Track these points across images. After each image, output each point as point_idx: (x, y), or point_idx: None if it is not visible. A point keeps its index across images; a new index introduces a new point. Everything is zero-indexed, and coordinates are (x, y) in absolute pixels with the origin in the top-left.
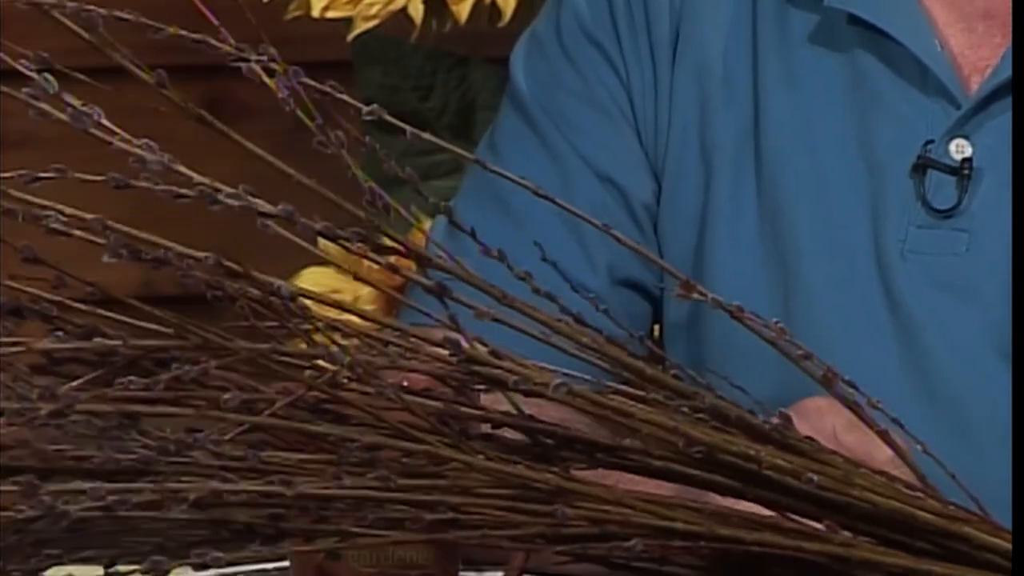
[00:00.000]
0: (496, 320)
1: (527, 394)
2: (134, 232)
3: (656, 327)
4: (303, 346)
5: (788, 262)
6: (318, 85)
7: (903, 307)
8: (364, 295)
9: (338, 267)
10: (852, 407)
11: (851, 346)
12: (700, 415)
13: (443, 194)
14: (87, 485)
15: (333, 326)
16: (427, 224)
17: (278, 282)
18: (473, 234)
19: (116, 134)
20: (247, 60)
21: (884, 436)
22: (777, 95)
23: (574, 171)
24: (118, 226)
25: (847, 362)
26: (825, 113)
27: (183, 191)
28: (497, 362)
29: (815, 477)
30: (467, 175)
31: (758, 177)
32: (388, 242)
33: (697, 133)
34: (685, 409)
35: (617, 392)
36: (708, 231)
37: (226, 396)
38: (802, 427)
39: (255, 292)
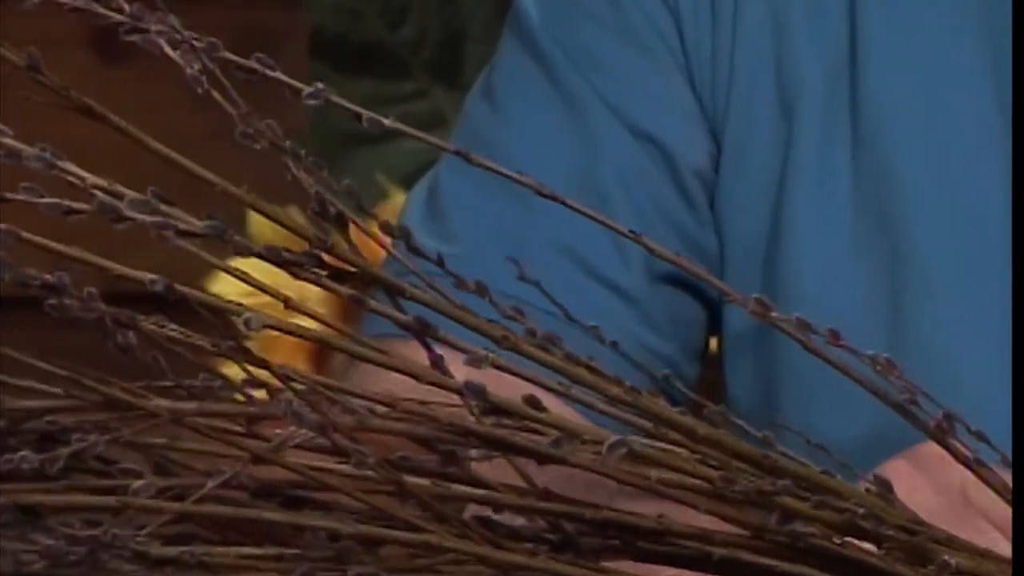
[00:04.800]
0: (497, 368)
1: (545, 459)
2: None
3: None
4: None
5: (898, 243)
6: (242, 61)
7: None
8: (312, 296)
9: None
10: (973, 467)
11: (984, 358)
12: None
13: (421, 156)
14: None
15: (287, 375)
16: (399, 198)
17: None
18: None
19: None
20: (144, 31)
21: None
22: (881, 17)
23: (599, 125)
24: None
25: (979, 382)
26: (947, 40)
27: (75, 206)
28: (535, 413)
29: (953, 561)
30: (455, 131)
31: (855, 129)
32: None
33: (772, 74)
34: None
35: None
36: (787, 205)
37: (136, 484)
38: (919, 481)
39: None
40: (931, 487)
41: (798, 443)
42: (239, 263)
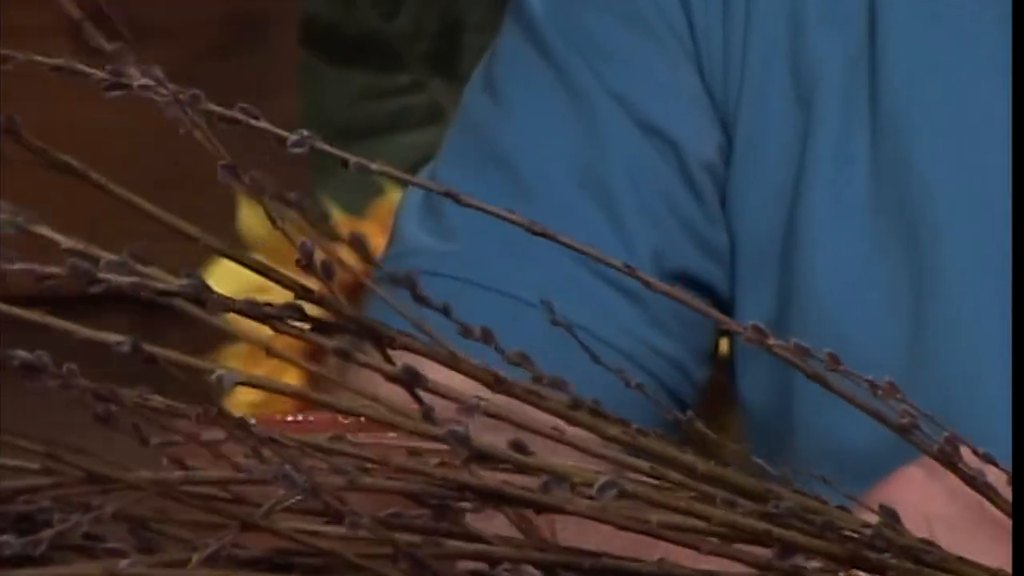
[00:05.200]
0: (489, 415)
1: (542, 508)
2: None
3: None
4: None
5: (917, 232)
6: (225, 112)
7: None
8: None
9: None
10: (982, 489)
11: (1005, 348)
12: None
13: (418, 151)
14: None
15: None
16: (395, 195)
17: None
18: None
19: None
20: (127, 87)
21: None
22: (901, 1)
23: (604, 116)
24: None
25: (1001, 373)
26: (968, 25)
27: (48, 271)
28: (520, 458)
29: None
30: (453, 125)
31: (873, 117)
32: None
33: (787, 62)
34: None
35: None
36: (804, 196)
37: (123, 564)
38: (934, 489)
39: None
40: (946, 495)
41: (812, 450)
42: (226, 266)
